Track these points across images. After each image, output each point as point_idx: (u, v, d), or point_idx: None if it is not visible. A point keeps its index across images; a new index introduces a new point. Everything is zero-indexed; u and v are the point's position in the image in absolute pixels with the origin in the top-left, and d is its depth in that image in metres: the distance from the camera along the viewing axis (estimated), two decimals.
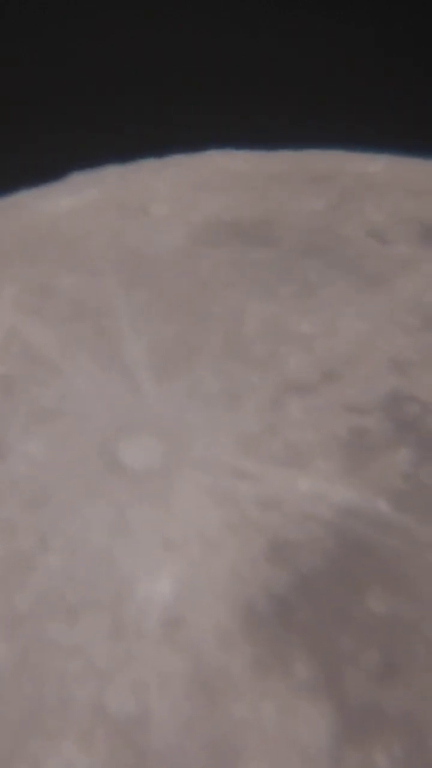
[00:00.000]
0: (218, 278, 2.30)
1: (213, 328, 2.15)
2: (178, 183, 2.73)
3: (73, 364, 2.10)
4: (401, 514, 1.75)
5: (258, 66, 3.41)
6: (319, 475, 1.82)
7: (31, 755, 1.50)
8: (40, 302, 2.28)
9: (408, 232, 2.47)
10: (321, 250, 2.39)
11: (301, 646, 1.58)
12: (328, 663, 1.56)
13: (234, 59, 3.39)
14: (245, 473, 1.83)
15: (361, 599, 1.63)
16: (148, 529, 1.74)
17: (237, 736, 1.49)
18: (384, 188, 2.67)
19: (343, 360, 2.06)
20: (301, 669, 1.55)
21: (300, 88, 3.30)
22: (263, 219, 2.52)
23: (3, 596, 1.67)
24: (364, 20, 3.43)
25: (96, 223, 2.56)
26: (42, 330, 2.19)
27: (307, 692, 1.53)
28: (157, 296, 2.26)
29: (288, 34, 3.48)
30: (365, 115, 3.18)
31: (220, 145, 2.88)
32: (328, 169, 2.78)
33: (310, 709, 1.51)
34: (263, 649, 1.57)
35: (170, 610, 1.62)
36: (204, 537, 1.72)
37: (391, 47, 3.38)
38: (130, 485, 1.82)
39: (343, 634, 1.59)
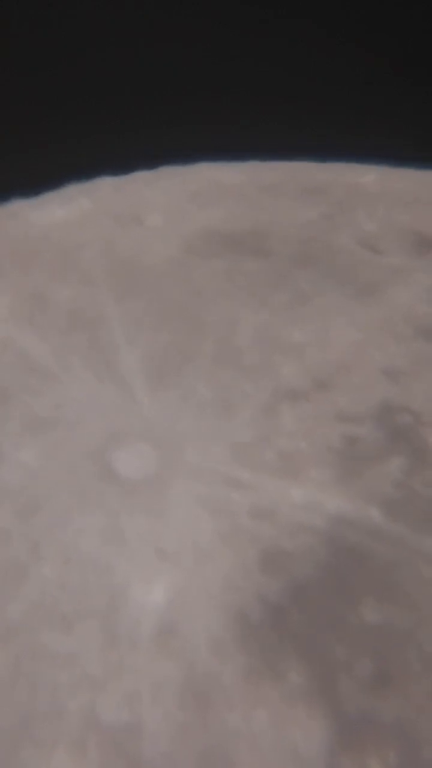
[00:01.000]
0: (212, 288, 2.30)
1: (206, 338, 2.16)
2: (172, 194, 2.74)
3: (67, 373, 2.10)
4: (394, 523, 1.75)
5: (250, 79, 3.42)
6: (312, 484, 1.82)
7: (23, 764, 1.49)
8: (34, 312, 2.28)
9: (400, 242, 2.48)
10: (314, 260, 2.40)
11: (294, 655, 1.57)
12: (321, 671, 1.56)
13: (226, 73, 3.40)
14: (239, 482, 1.83)
15: (354, 608, 1.63)
16: (141, 537, 1.74)
17: (230, 745, 1.48)
18: (376, 199, 2.68)
19: (335, 369, 2.07)
20: (295, 677, 1.55)
21: (292, 100, 3.31)
22: (256, 229, 2.53)
23: None
24: (354, 33, 3.45)
25: (90, 233, 2.57)
26: (36, 339, 2.19)
27: (301, 701, 1.53)
28: (151, 306, 2.26)
29: (279, 48, 3.49)
30: (357, 127, 3.19)
31: (213, 157, 2.90)
32: (320, 180, 2.80)
33: (304, 718, 1.51)
34: (256, 657, 1.57)
35: (163, 619, 1.62)
36: (197, 546, 1.72)
37: (382, 59, 3.40)
38: (123, 494, 1.82)
39: (337, 642, 1.59)
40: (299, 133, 3.04)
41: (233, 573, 1.68)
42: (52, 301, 2.31)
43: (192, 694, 1.53)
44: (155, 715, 1.52)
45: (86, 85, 3.34)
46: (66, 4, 3.45)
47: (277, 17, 3.50)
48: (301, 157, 2.86)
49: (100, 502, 1.81)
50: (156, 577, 1.68)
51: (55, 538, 1.75)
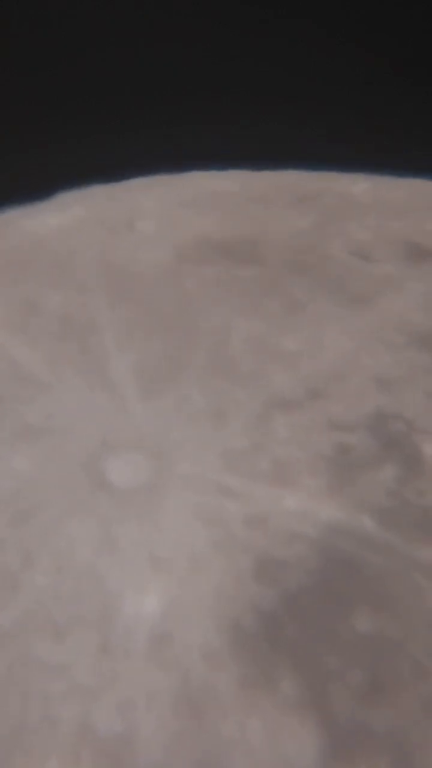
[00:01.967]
0: (204, 295, 2.31)
1: (199, 345, 2.16)
2: (165, 202, 2.74)
3: (59, 381, 2.09)
4: (386, 531, 1.75)
5: (250, 79, 3.43)
6: (304, 493, 1.82)
7: None
8: (26, 319, 2.28)
9: (392, 251, 2.49)
10: (306, 269, 2.40)
11: (287, 664, 1.57)
12: (314, 681, 1.56)
13: (226, 73, 3.40)
14: (232, 491, 1.83)
15: (347, 617, 1.63)
16: (134, 546, 1.74)
17: (224, 754, 1.48)
18: (368, 208, 2.69)
19: (328, 377, 2.07)
20: (288, 687, 1.55)
21: (292, 101, 3.31)
22: (249, 238, 2.53)
23: None
24: (354, 33, 3.46)
25: (83, 240, 2.57)
26: (28, 347, 2.19)
27: (294, 710, 1.53)
28: (144, 313, 2.26)
29: (279, 48, 3.50)
30: (349, 136, 3.20)
31: (206, 165, 2.90)
32: (312, 189, 2.81)
33: (297, 727, 1.51)
34: (250, 666, 1.57)
35: (157, 628, 1.62)
36: (191, 555, 1.72)
37: (382, 59, 3.40)
38: (116, 502, 1.82)
39: (330, 652, 1.59)
40: (299, 133, 3.04)
41: (226, 582, 1.68)
42: (44, 308, 2.31)
43: (186, 704, 1.53)
44: (149, 724, 1.51)
45: (80, 94, 3.34)
46: (66, 4, 3.45)
47: (277, 17, 3.51)
48: (293, 166, 2.86)
49: (93, 510, 1.80)
50: (149, 585, 1.68)
51: (47, 546, 1.75)
